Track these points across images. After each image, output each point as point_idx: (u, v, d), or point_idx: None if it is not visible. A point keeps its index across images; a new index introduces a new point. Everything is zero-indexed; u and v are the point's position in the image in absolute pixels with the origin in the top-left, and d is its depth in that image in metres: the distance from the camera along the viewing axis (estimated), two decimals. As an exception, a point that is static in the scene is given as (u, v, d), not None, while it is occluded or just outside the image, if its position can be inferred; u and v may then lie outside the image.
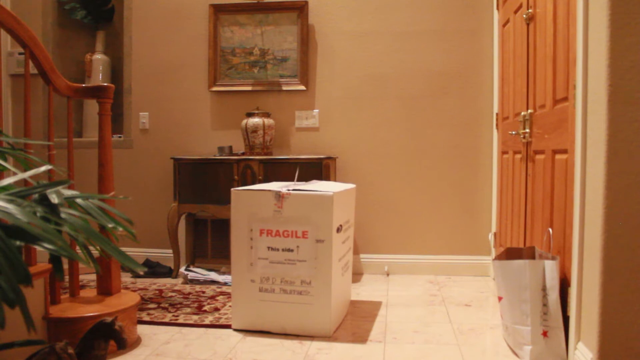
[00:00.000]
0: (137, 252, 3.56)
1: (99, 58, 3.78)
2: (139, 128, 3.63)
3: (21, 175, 0.98)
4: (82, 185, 3.48)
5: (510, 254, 2.11)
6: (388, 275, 3.34)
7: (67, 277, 2.39)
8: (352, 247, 2.61)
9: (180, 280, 3.20)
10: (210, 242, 3.51)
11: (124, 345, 1.47)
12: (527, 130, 2.39)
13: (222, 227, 3.47)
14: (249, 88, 3.47)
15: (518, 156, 2.62)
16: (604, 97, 1.57)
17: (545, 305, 1.85)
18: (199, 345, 2.10)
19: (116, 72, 3.83)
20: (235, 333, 2.25)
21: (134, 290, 2.91)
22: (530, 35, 2.41)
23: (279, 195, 2.21)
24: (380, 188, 3.40)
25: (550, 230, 2.04)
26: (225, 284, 3.06)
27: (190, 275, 3.14)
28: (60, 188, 0.92)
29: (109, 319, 1.46)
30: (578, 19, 1.73)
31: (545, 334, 1.84)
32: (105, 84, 2.23)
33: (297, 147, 3.48)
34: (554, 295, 1.83)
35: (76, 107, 3.84)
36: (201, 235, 3.52)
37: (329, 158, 3.12)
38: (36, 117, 3.65)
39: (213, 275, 3.15)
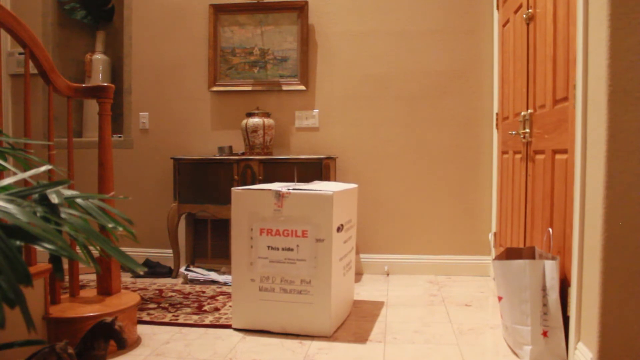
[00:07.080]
0: (137, 252, 3.56)
1: (99, 58, 3.78)
2: (139, 128, 3.63)
3: (21, 175, 0.98)
4: (82, 185, 3.48)
5: (510, 254, 2.11)
6: (388, 275, 3.34)
7: (67, 277, 2.39)
8: (355, 247, 2.60)
9: (180, 280, 3.20)
10: (210, 242, 3.51)
11: (124, 345, 1.47)
12: (527, 130, 2.39)
13: (222, 227, 3.47)
14: (249, 88, 3.47)
15: (518, 156, 2.62)
16: (604, 97, 1.57)
17: (545, 305, 1.85)
18: (199, 345, 2.10)
19: (116, 72, 3.83)
20: (236, 333, 2.25)
21: (134, 290, 2.91)
22: (530, 35, 2.41)
23: (279, 195, 2.21)
24: (380, 188, 3.40)
25: (550, 230, 2.04)
26: (225, 283, 3.06)
27: (190, 275, 3.14)
28: (60, 188, 0.92)
29: (109, 319, 1.46)
30: (578, 19, 1.73)
31: (545, 334, 1.84)
32: (105, 84, 2.23)
33: (297, 147, 3.48)
34: (554, 295, 1.83)
35: (76, 107, 3.84)
36: (201, 235, 3.52)
37: (329, 158, 3.12)
38: (36, 117, 3.65)
39: (213, 275, 3.15)
